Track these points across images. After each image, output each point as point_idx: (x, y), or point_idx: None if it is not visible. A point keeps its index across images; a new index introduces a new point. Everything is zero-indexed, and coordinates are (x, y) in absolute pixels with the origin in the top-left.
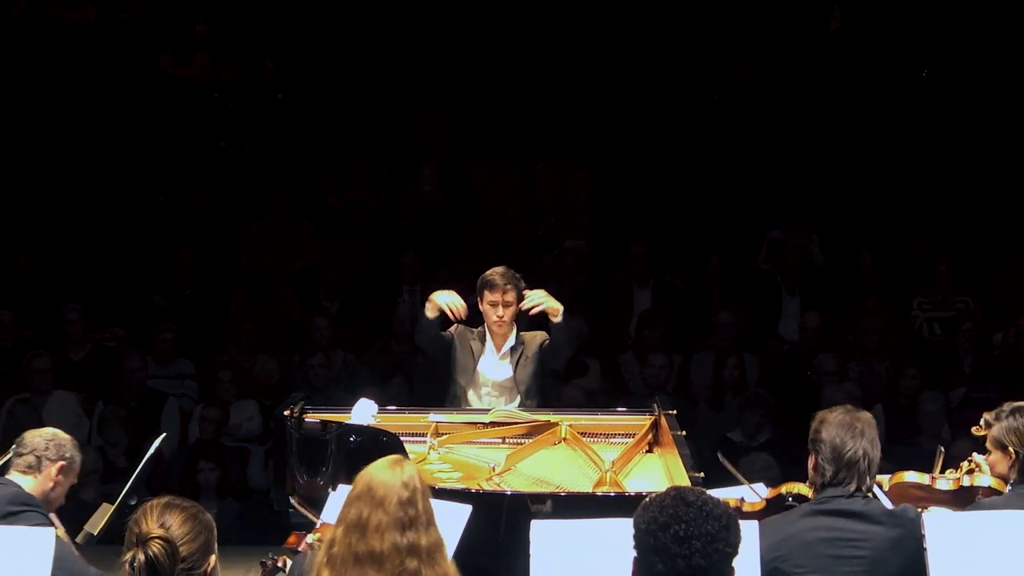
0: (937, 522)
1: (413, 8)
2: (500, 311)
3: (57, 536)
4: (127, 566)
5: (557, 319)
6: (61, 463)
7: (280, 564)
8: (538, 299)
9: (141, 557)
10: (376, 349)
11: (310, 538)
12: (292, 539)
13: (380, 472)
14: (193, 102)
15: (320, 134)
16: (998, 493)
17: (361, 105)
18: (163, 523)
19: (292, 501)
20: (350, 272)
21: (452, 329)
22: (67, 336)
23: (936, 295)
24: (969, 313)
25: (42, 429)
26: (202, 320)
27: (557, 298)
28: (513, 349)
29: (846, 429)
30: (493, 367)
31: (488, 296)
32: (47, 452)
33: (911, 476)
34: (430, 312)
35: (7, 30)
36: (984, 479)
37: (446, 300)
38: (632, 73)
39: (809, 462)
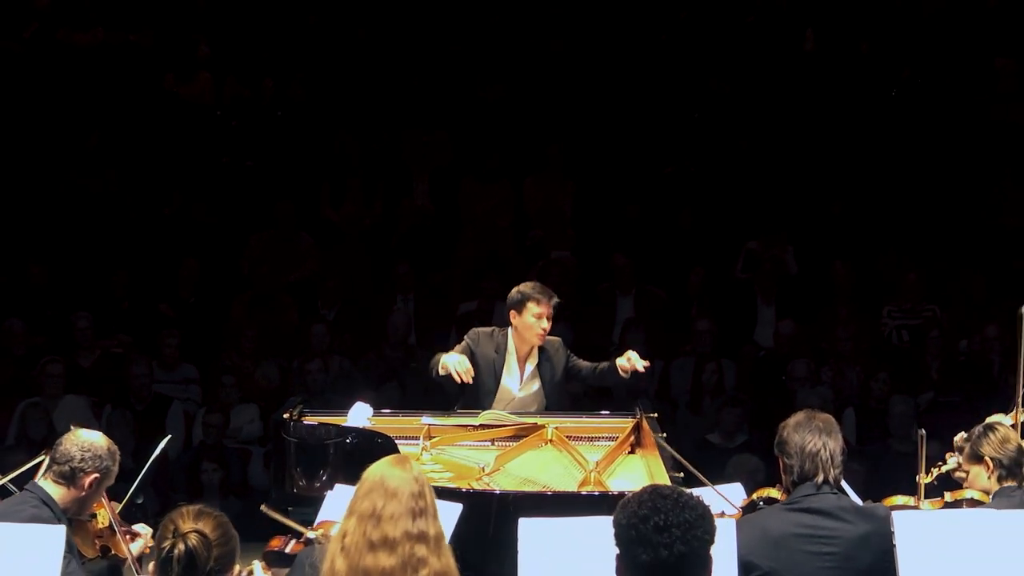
0: (906, 520)
1: (407, 31)
2: (545, 323)
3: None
4: (163, 556)
5: (626, 376)
6: (95, 475)
7: (244, 574)
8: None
9: (181, 547)
10: (371, 355)
11: (311, 534)
12: (275, 542)
13: (391, 468)
14: (196, 119)
15: (318, 150)
16: (983, 504)
17: (357, 122)
18: (198, 524)
19: (263, 509)
20: (347, 282)
21: (472, 342)
22: (77, 343)
23: (905, 303)
24: (936, 321)
25: (79, 435)
26: (205, 327)
27: None
28: (539, 366)
29: (804, 426)
30: (517, 385)
31: (534, 308)
32: (82, 464)
33: (899, 500)
34: (442, 371)
35: (20, 51)
36: (969, 493)
37: (453, 365)
38: (616, 92)
39: (780, 467)
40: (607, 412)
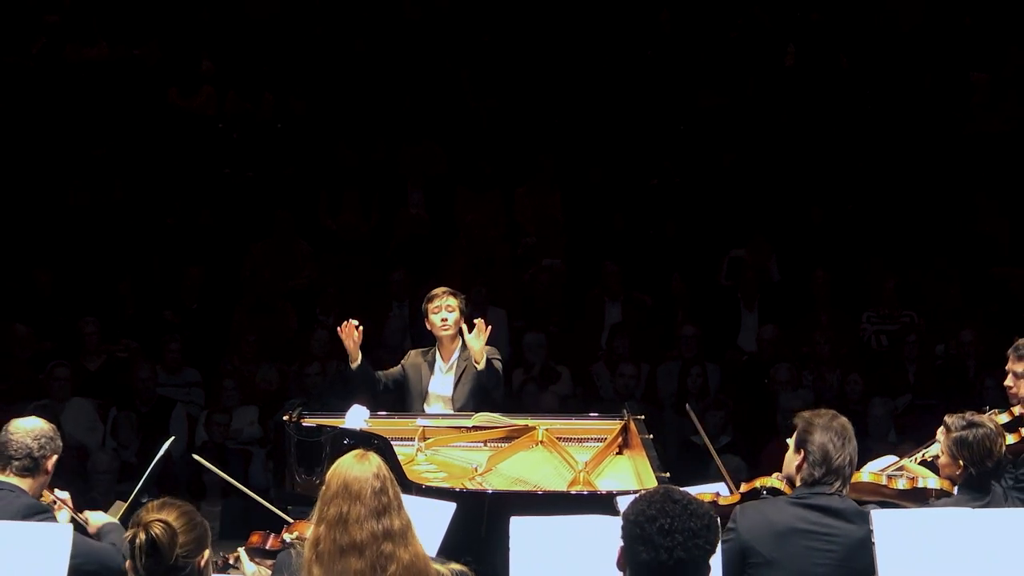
0: (884, 519)
1: (404, 47)
2: (443, 314)
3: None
4: (129, 547)
5: (479, 367)
6: (55, 456)
7: (231, 561)
8: (480, 337)
9: (143, 536)
10: (368, 359)
11: (287, 537)
12: (255, 538)
13: (351, 468)
14: (199, 132)
15: (316, 161)
16: (947, 494)
17: (354, 134)
18: (161, 514)
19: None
20: (344, 288)
21: (404, 359)
22: (84, 347)
23: (883, 309)
24: (914, 326)
25: (22, 426)
26: (207, 333)
27: (535, 312)
28: (458, 364)
29: (837, 435)
30: (440, 384)
31: (430, 308)
32: (42, 451)
33: (866, 475)
34: (352, 364)
35: (28, 66)
36: (932, 481)
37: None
38: (604, 105)
39: (794, 459)
40: (596, 414)
